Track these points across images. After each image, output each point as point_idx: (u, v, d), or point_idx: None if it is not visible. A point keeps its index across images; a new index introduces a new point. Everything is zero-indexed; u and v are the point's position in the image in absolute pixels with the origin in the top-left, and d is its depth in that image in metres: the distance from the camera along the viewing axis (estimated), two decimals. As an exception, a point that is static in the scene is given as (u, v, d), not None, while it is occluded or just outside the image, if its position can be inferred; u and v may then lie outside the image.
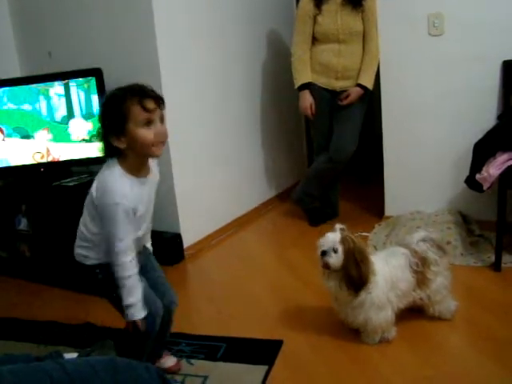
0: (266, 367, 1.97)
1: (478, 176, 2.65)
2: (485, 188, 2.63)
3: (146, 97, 1.63)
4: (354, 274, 1.95)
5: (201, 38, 3.31)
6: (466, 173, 2.77)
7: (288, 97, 4.17)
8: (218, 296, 2.69)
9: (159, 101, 1.67)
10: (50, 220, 2.88)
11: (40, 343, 2.32)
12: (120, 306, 1.75)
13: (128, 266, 1.69)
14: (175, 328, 2.04)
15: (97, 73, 2.85)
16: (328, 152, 3.47)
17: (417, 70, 3.23)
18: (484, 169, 2.62)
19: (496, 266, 2.64)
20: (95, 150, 2.81)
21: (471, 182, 2.73)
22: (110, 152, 1.70)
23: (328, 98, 3.43)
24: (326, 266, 2.00)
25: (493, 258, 2.67)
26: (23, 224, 3.04)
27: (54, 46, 3.27)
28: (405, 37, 3.22)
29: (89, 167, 3.00)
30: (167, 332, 1.98)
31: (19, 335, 2.42)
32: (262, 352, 2.08)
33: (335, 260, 1.98)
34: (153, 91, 1.67)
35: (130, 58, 3.02)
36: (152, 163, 1.81)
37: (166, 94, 2.75)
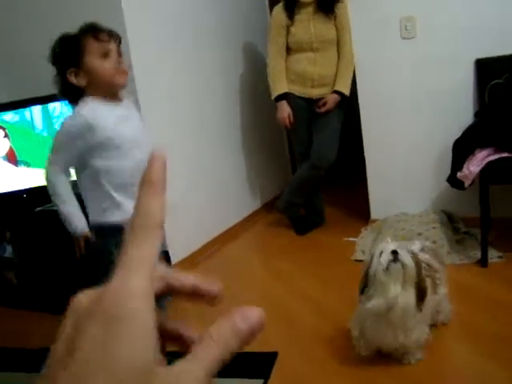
0: (261, 381, 1.96)
1: (459, 174, 2.68)
2: (466, 185, 2.66)
3: (98, 30, 1.64)
4: (425, 285, 1.76)
5: (176, 50, 3.31)
6: (448, 171, 2.80)
7: (268, 107, 4.19)
8: (209, 310, 2.67)
9: (112, 34, 1.67)
10: (36, 246, 2.86)
11: (31, 372, 2.28)
12: None
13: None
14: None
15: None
16: (310, 160, 3.49)
17: (392, 73, 3.27)
18: (464, 166, 2.64)
19: (482, 262, 2.66)
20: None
21: (453, 181, 2.76)
22: (72, 94, 1.67)
23: (305, 107, 3.45)
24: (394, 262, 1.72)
25: (479, 255, 2.69)
26: (8, 251, 3.01)
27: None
28: (378, 41, 3.26)
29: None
30: None
31: (9, 365, 2.39)
32: (256, 365, 2.06)
33: (409, 261, 1.72)
34: (106, 28, 1.68)
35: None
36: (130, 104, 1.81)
37: (143, 110, 2.77)
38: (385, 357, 1.98)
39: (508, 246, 2.81)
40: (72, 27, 1.68)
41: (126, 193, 1.69)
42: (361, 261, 2.94)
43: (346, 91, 3.38)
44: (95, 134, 1.62)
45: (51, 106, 2.84)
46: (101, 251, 1.66)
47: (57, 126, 2.86)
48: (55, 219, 2.74)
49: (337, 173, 4.12)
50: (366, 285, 1.79)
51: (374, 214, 3.52)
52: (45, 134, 2.86)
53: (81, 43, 1.61)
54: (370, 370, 1.96)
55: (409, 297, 1.74)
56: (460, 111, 3.10)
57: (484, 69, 3.01)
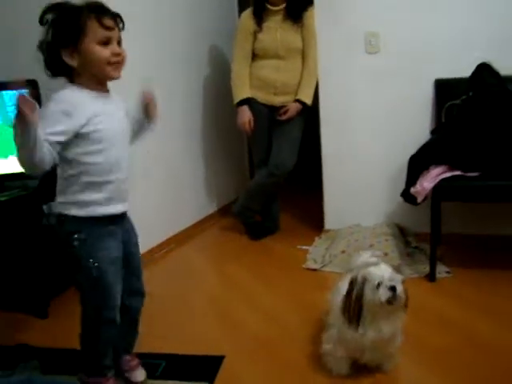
0: (206, 384, 1.94)
1: (412, 189, 2.73)
2: (419, 201, 2.71)
3: (104, 13, 1.51)
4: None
5: (139, 49, 3.27)
6: (403, 186, 2.84)
7: (229, 111, 4.18)
8: (157, 312, 2.63)
9: (117, 19, 1.56)
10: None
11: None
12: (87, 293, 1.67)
13: None
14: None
15: (32, 84, 2.75)
16: (268, 166, 3.49)
17: (354, 86, 3.31)
18: (418, 182, 2.70)
19: (431, 277, 2.71)
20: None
21: (407, 196, 2.81)
22: (58, 70, 1.55)
23: (267, 113, 3.46)
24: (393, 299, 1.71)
25: (428, 269, 2.75)
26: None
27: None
28: (343, 54, 3.30)
29: (23, 181, 2.89)
30: (132, 329, 1.91)
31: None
32: (202, 368, 2.04)
33: (402, 294, 1.74)
34: (111, 10, 1.55)
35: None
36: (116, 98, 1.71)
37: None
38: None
39: (456, 262, 2.88)
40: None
41: (95, 190, 1.60)
42: (314, 270, 2.97)
43: (308, 101, 3.40)
44: (72, 122, 1.51)
45: (4, 93, 2.75)
46: (64, 242, 1.63)
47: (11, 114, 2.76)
48: (3, 209, 2.67)
49: (294, 181, 4.14)
50: (357, 313, 1.74)
51: (328, 224, 3.55)
52: (-2, 121, 2.77)
53: (82, 23, 1.48)
54: (318, 378, 1.96)
55: (397, 322, 1.78)
56: (417, 128, 3.17)
57: (442, 89, 3.09)
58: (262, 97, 3.43)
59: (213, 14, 4.24)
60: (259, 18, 3.33)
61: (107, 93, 1.66)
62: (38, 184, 2.76)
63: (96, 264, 1.61)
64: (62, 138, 1.49)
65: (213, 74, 4.17)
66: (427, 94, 3.15)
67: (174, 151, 3.65)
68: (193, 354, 2.16)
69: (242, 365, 2.07)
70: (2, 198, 2.78)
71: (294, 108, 3.39)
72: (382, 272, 1.73)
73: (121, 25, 1.58)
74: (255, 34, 3.36)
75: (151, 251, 3.36)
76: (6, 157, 2.86)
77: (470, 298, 2.50)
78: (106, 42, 1.51)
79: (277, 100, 3.42)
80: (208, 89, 4.11)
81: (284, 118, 3.40)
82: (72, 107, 1.50)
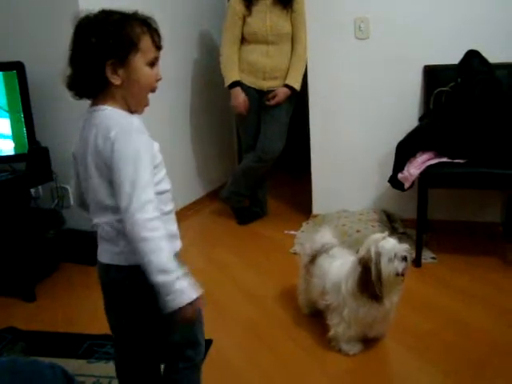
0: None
1: (399, 175, 2.75)
2: (406, 187, 2.73)
3: (157, 31, 1.29)
4: None
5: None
6: (390, 172, 2.86)
7: (219, 96, 4.17)
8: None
9: (161, 39, 1.32)
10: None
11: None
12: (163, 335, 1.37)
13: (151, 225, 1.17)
14: (100, 330, 1.99)
15: (18, 66, 2.72)
16: (255, 151, 3.49)
17: (343, 72, 3.31)
18: (405, 168, 2.71)
19: (417, 262, 2.74)
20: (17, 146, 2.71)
21: (394, 182, 2.82)
22: (89, 87, 1.26)
23: (256, 98, 3.44)
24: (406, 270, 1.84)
25: (414, 255, 2.77)
26: None
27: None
28: (332, 39, 3.29)
29: (11, 165, 2.87)
30: None
31: None
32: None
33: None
34: (158, 29, 1.32)
35: (55, 52, 2.90)
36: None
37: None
38: (322, 346, 2.03)
39: (442, 248, 2.92)
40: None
41: (171, 221, 1.39)
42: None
43: (297, 86, 3.40)
44: (153, 153, 1.31)
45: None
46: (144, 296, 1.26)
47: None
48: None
49: (283, 166, 4.15)
50: (380, 288, 1.82)
51: (316, 209, 3.56)
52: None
53: (137, 38, 1.24)
54: (304, 360, 1.99)
55: (400, 291, 1.94)
56: (406, 114, 3.18)
57: (431, 75, 3.09)
58: (251, 81, 3.41)
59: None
60: (249, 1, 3.31)
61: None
62: (26, 168, 2.74)
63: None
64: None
65: (202, 59, 4.14)
66: (416, 80, 3.16)
67: (162, 136, 3.61)
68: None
69: (229, 349, 2.09)
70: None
71: (282, 93, 3.38)
72: (393, 245, 1.82)
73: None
74: (244, 18, 3.33)
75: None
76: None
77: (454, 283, 2.54)
78: (152, 63, 1.29)
79: (266, 85, 3.41)
80: (197, 74, 4.08)
81: (272, 102, 3.39)
82: (148, 135, 1.30)
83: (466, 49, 2.79)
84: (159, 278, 1.15)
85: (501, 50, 2.89)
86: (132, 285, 1.27)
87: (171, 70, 3.72)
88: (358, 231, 2.96)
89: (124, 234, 1.20)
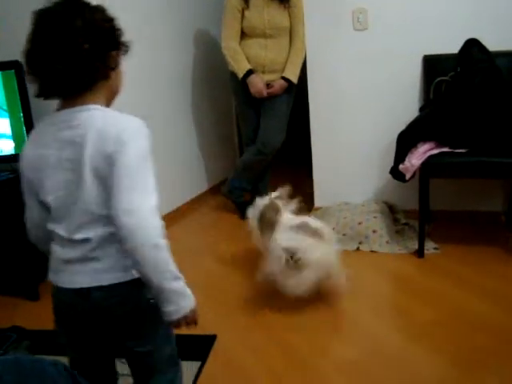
0: (198, 363, 1.96)
1: (401, 166, 2.74)
2: (407, 178, 2.73)
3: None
4: None
5: (127, 30, 3.22)
6: (391, 163, 2.85)
7: (219, 91, 4.16)
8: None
9: None
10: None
11: None
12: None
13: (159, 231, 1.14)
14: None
15: (16, 66, 2.72)
16: (256, 144, 3.49)
17: (342, 64, 3.30)
18: (406, 159, 2.71)
19: (419, 253, 2.74)
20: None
21: (395, 173, 2.82)
22: (84, 82, 1.13)
23: (256, 91, 3.44)
24: None
25: (416, 245, 2.77)
26: None
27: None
28: (330, 31, 3.28)
29: (11, 164, 2.86)
30: None
31: None
32: (194, 348, 2.06)
33: None
34: None
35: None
36: None
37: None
38: (326, 337, 2.03)
39: (444, 239, 2.91)
40: None
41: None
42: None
43: (294, 79, 3.39)
44: None
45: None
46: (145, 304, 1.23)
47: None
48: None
49: (284, 159, 4.14)
50: None
51: (317, 202, 3.56)
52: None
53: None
54: (306, 351, 1.99)
55: None
56: (406, 105, 3.17)
57: (431, 65, 3.08)
58: (251, 74, 3.41)
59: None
60: (246, -5, 3.29)
61: None
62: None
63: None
64: None
65: (202, 54, 4.13)
66: (416, 70, 3.15)
67: (164, 131, 3.63)
68: (185, 333, 2.18)
69: (234, 344, 2.10)
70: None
71: (278, 85, 3.38)
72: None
73: None
74: (243, 12, 3.32)
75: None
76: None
77: (457, 273, 2.54)
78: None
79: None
80: (198, 69, 4.08)
81: (266, 92, 3.36)
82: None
83: (465, 38, 2.78)
84: (174, 285, 1.13)
85: (500, 39, 2.88)
86: (124, 303, 1.19)
87: (172, 67, 3.73)
88: (359, 223, 2.96)
89: (112, 249, 1.14)
